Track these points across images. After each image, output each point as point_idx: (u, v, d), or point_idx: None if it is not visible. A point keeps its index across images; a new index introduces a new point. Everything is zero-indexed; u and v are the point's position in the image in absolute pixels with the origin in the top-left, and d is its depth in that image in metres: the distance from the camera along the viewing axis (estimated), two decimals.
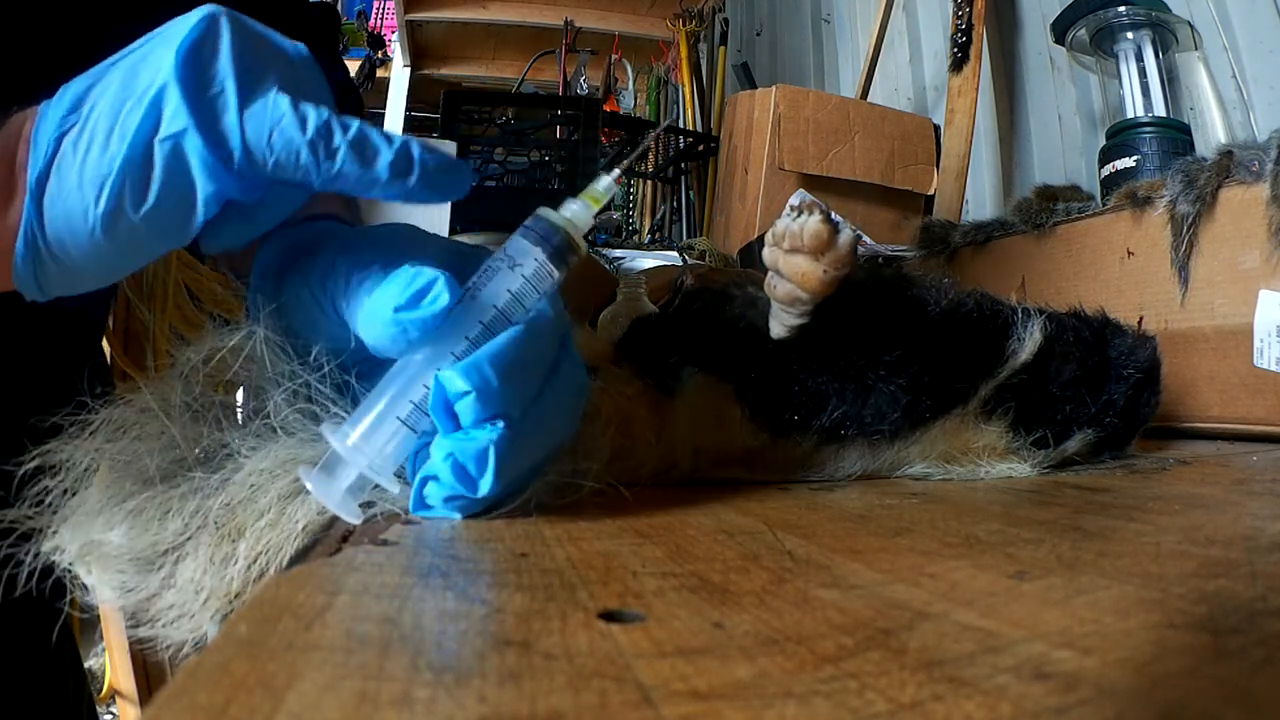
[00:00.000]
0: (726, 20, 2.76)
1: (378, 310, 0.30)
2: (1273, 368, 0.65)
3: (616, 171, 0.34)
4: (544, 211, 0.33)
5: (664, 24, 3.00)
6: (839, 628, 0.19)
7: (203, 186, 0.30)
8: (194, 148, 0.29)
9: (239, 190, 0.31)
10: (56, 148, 0.30)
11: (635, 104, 3.13)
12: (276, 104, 0.30)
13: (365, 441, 0.30)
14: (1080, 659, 0.16)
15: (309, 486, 0.30)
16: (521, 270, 0.32)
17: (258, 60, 0.31)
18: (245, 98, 0.30)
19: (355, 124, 0.30)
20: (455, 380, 0.29)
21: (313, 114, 0.30)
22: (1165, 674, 0.16)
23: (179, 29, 0.30)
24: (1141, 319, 0.74)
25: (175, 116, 0.29)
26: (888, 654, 0.17)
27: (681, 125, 2.78)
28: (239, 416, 0.34)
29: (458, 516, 0.31)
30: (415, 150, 0.31)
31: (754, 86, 1.89)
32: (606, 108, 2.61)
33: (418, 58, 3.38)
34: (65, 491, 0.32)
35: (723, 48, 2.69)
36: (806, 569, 0.24)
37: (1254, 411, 0.68)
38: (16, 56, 0.43)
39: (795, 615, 0.20)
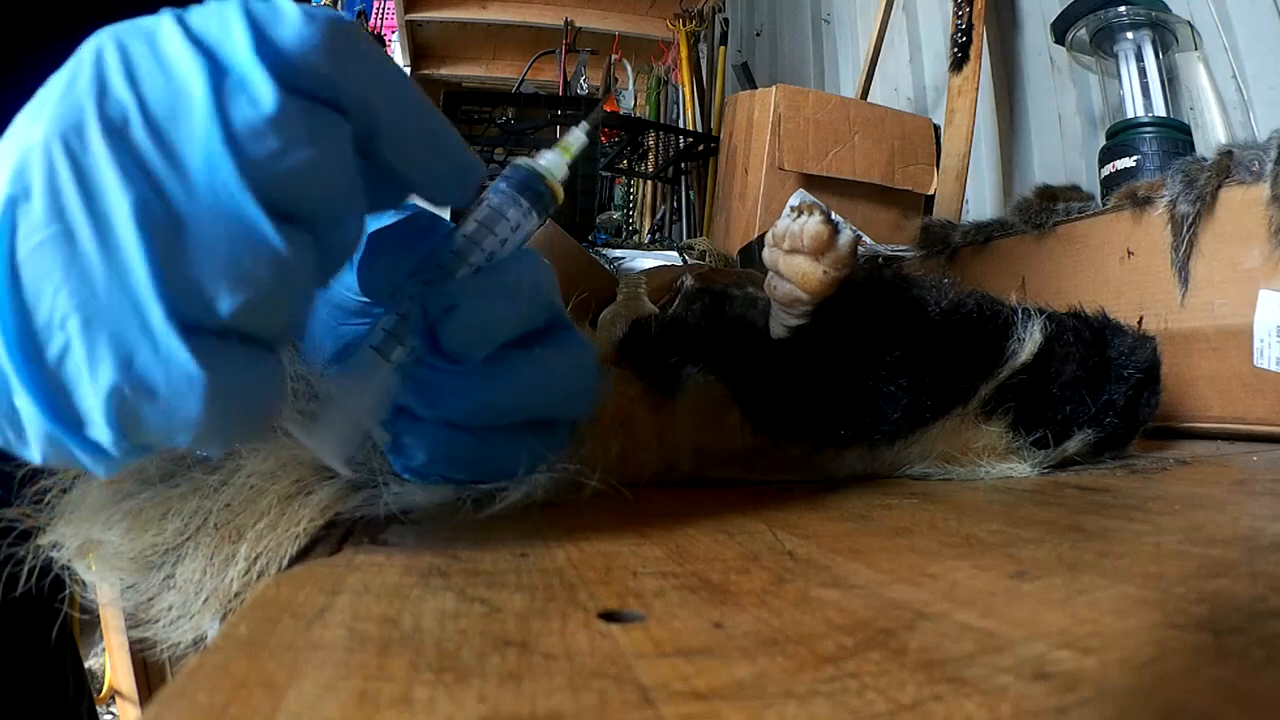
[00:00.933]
0: (726, 20, 2.76)
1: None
2: (1273, 368, 0.65)
3: (585, 125, 0.35)
4: (517, 159, 0.33)
5: (664, 24, 3.00)
6: (839, 628, 0.19)
7: None
8: None
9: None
10: None
11: (635, 104, 3.13)
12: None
13: (344, 377, 0.29)
14: (1080, 659, 0.16)
15: (291, 431, 0.29)
16: (488, 201, 0.31)
17: None
18: None
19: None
20: (442, 296, 0.29)
21: None
22: (1165, 674, 0.16)
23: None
24: (1141, 319, 0.74)
25: None
26: (888, 654, 0.17)
27: (681, 125, 2.78)
28: None
29: (450, 475, 0.30)
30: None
31: (754, 86, 1.89)
32: (606, 108, 2.61)
33: (418, 58, 3.39)
34: (64, 490, 0.32)
35: (723, 48, 2.69)
36: (806, 569, 0.24)
37: (1254, 411, 0.68)
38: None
39: (795, 615, 0.20)
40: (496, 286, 0.30)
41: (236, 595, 0.30)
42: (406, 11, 3.11)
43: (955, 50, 1.37)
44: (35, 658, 0.53)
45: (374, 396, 0.30)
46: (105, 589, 0.32)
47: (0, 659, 0.51)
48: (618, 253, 1.52)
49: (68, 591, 0.33)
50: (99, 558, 0.31)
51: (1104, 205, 0.88)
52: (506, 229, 0.31)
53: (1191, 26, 1.02)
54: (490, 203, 0.31)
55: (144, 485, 0.31)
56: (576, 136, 0.34)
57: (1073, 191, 1.01)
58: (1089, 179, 1.18)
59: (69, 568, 0.31)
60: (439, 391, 0.30)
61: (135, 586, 0.31)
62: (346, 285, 0.31)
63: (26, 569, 0.31)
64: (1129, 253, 0.79)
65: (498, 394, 0.30)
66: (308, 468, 0.32)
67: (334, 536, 0.28)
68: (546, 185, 0.32)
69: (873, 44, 1.64)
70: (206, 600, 0.30)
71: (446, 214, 0.34)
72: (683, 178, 2.60)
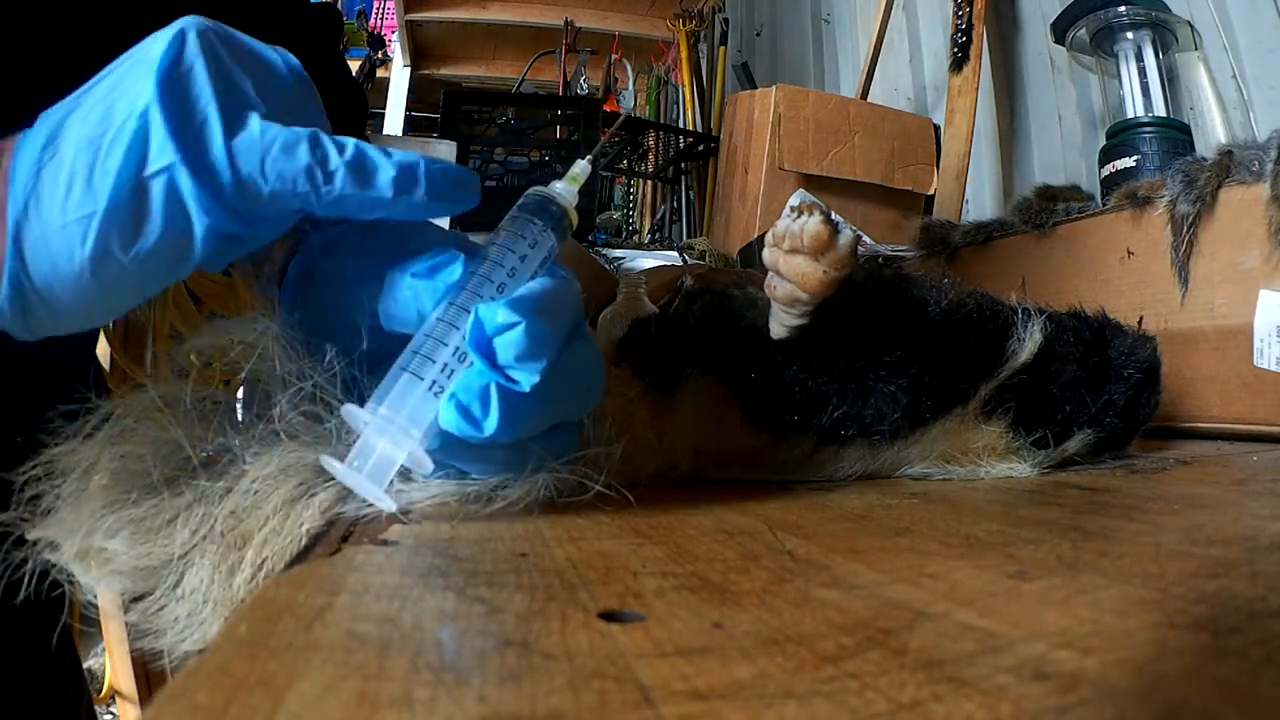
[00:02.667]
0: (726, 20, 2.76)
1: (398, 280, 0.32)
2: (1273, 368, 0.65)
3: (589, 156, 0.38)
4: (531, 188, 0.35)
5: (664, 24, 3.00)
6: (839, 628, 0.19)
7: (198, 221, 0.29)
8: (185, 183, 0.28)
9: (233, 222, 0.30)
10: (35, 184, 0.28)
11: (635, 104, 3.13)
12: (265, 130, 0.29)
13: (380, 405, 0.30)
14: (1080, 659, 0.16)
15: (334, 472, 0.30)
16: (505, 225, 0.33)
17: (240, 79, 0.30)
18: (231, 124, 0.29)
19: (351, 144, 0.30)
20: (499, 313, 0.29)
21: (306, 137, 0.29)
22: (1165, 674, 0.16)
23: (153, 50, 0.29)
24: (1141, 319, 0.74)
25: (161, 150, 0.28)
26: (888, 654, 0.17)
27: (681, 125, 2.78)
28: (239, 415, 0.34)
29: (463, 468, 0.31)
30: (420, 164, 0.31)
31: (754, 86, 1.89)
32: (606, 108, 2.61)
33: (418, 58, 3.39)
34: (63, 494, 0.31)
35: (723, 48, 2.69)
36: (806, 569, 0.24)
37: (1254, 411, 0.68)
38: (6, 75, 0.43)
39: (795, 615, 0.20)
40: (551, 305, 0.31)
41: (243, 602, 0.30)
42: (406, 11, 3.11)
43: (955, 50, 1.37)
44: (34, 661, 0.53)
45: (409, 418, 0.30)
46: (105, 595, 0.31)
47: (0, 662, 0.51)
48: (618, 253, 1.52)
49: (68, 597, 0.33)
50: (100, 566, 0.31)
51: (1104, 205, 0.88)
52: (525, 247, 0.33)
53: (1191, 26, 1.02)
54: (508, 226, 0.33)
55: (148, 492, 0.31)
56: (582, 168, 0.36)
57: (1073, 191, 1.01)
58: (1089, 179, 1.18)
59: (67, 573, 0.31)
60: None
61: (141, 597, 0.31)
62: (370, 314, 0.33)
63: (26, 573, 0.31)
64: (1129, 253, 0.79)
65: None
66: (310, 469, 0.32)
67: (334, 536, 0.28)
68: (559, 206, 0.34)
69: (873, 44, 1.64)
70: (214, 609, 0.30)
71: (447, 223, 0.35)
72: (683, 178, 2.60)
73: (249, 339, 0.32)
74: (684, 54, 2.87)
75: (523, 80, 3.02)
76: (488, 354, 0.29)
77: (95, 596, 0.32)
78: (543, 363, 0.29)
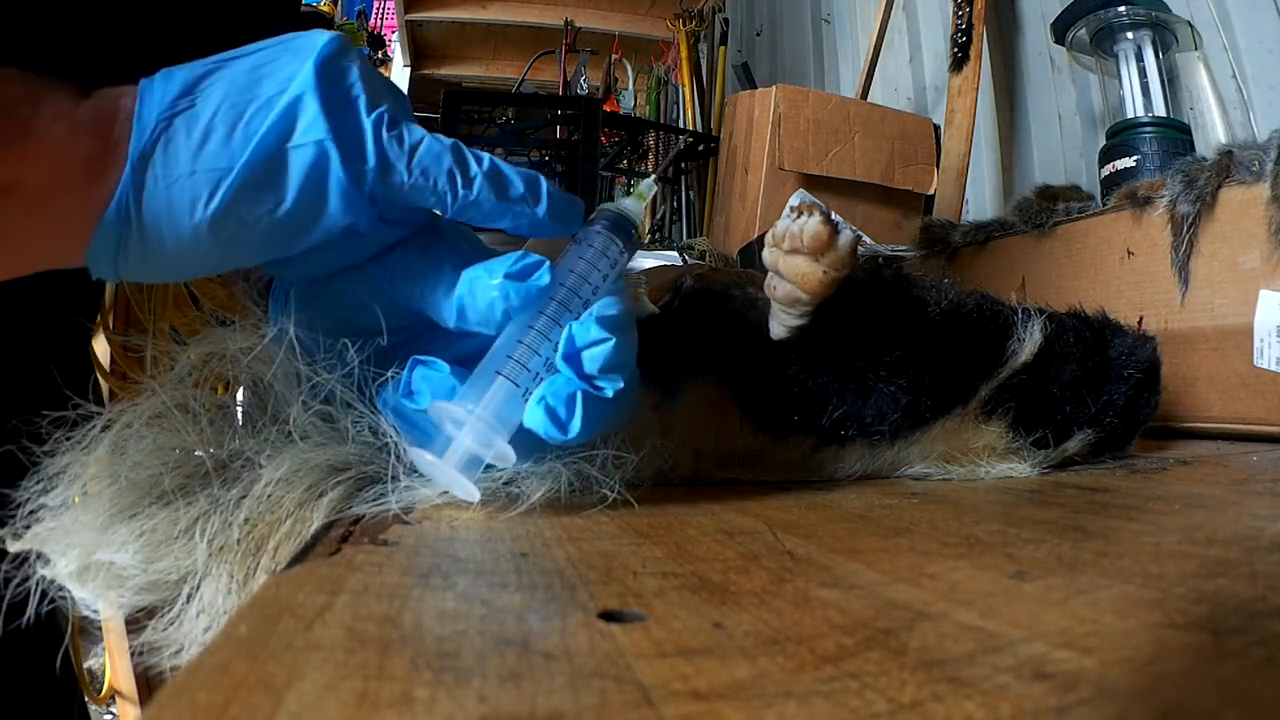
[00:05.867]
0: (726, 20, 2.76)
1: (483, 278, 0.32)
2: (1273, 368, 0.65)
3: (654, 175, 0.40)
4: (604, 205, 0.37)
5: (664, 24, 3.00)
6: (839, 628, 0.19)
7: (333, 200, 0.30)
8: (332, 159, 0.29)
9: (364, 213, 0.31)
10: (165, 127, 0.29)
11: (635, 104, 3.12)
12: (413, 129, 0.31)
13: (475, 405, 0.31)
14: (1080, 659, 0.16)
15: (422, 463, 0.31)
16: (589, 242, 0.35)
17: (379, 89, 0.31)
18: (381, 117, 0.30)
19: (487, 156, 0.32)
20: (592, 330, 0.31)
21: (450, 144, 0.31)
22: (1165, 674, 0.16)
23: (312, 41, 0.30)
24: (1141, 319, 0.74)
25: (311, 126, 0.29)
26: (888, 654, 0.17)
27: (681, 125, 2.78)
28: (239, 417, 0.34)
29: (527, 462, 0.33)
30: (543, 184, 0.33)
31: (754, 86, 1.89)
32: (606, 108, 2.61)
33: (418, 58, 3.39)
34: (63, 507, 0.31)
35: (723, 48, 2.69)
36: (806, 569, 0.24)
37: (1254, 411, 0.68)
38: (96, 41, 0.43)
39: (795, 615, 0.20)
40: (628, 323, 0.33)
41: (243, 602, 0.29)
42: (406, 11, 3.11)
43: (955, 50, 1.37)
44: (28, 661, 0.53)
45: (504, 422, 0.31)
46: (108, 608, 0.31)
47: (2, 689, 0.51)
48: None
49: (69, 619, 0.32)
50: (106, 581, 0.30)
51: (1104, 205, 0.88)
52: (607, 266, 0.35)
53: (1191, 26, 1.02)
54: (592, 243, 0.35)
55: (159, 502, 0.31)
56: (649, 185, 0.39)
57: (1073, 191, 1.01)
58: (1089, 179, 1.18)
59: (66, 588, 0.31)
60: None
61: (150, 611, 0.30)
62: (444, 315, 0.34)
63: (25, 589, 0.30)
64: (1129, 253, 0.79)
65: None
66: (321, 470, 0.32)
67: (334, 536, 0.28)
68: (636, 229, 0.36)
69: (873, 44, 1.64)
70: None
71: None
72: (683, 178, 2.60)
73: (255, 343, 0.32)
74: (684, 54, 2.87)
75: (523, 80, 3.01)
76: (575, 364, 0.31)
77: (96, 612, 0.31)
78: (625, 374, 0.32)
